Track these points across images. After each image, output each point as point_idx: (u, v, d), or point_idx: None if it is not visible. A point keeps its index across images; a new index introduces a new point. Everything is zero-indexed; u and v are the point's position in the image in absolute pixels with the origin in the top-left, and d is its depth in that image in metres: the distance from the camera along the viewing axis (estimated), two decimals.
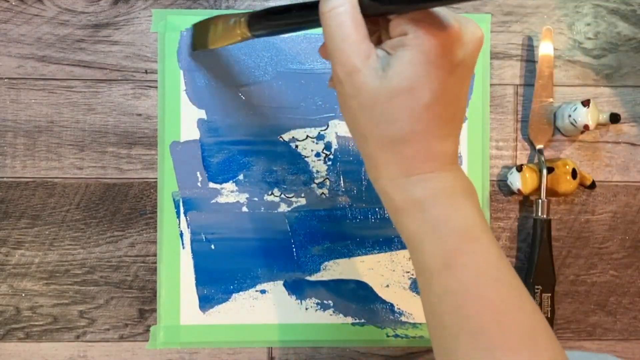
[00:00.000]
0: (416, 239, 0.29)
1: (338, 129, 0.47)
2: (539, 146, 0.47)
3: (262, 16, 0.35)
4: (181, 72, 0.46)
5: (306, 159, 0.47)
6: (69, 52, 0.46)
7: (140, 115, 0.46)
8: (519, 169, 0.45)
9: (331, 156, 0.47)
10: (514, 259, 0.48)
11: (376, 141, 0.28)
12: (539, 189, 0.46)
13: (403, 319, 0.47)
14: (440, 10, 0.26)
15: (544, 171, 0.45)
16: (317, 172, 0.47)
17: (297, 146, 0.47)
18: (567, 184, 0.45)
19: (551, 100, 0.47)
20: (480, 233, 0.28)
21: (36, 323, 0.46)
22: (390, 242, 0.47)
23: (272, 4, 0.47)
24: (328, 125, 0.47)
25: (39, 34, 0.46)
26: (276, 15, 0.34)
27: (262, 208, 0.47)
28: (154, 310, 0.46)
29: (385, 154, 0.28)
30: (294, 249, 0.47)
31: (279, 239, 0.47)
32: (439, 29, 0.26)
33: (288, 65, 0.47)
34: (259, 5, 0.47)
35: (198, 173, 0.46)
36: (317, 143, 0.47)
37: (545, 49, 0.47)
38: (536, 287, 0.46)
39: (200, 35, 0.44)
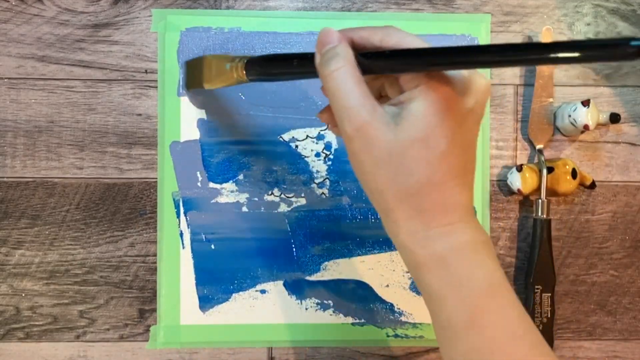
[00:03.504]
0: (439, 296, 0.28)
1: None
2: (539, 146, 0.47)
3: (260, 63, 0.35)
4: (181, 72, 0.46)
5: (306, 159, 0.47)
6: (69, 52, 0.46)
7: (140, 115, 0.46)
8: (519, 169, 0.45)
9: (331, 156, 0.47)
10: (514, 259, 0.48)
11: (394, 195, 0.28)
12: (539, 189, 0.46)
13: (403, 319, 0.47)
14: None
15: (544, 171, 0.45)
16: (317, 172, 0.47)
17: (297, 146, 0.47)
18: (567, 184, 0.45)
19: (551, 100, 0.47)
20: (503, 289, 0.28)
21: (36, 323, 0.46)
22: (390, 242, 0.47)
23: (271, 4, 0.47)
24: (328, 125, 0.47)
25: (39, 34, 0.46)
26: (275, 64, 0.34)
27: (262, 208, 0.47)
28: (154, 310, 0.46)
29: (404, 207, 0.28)
30: (294, 249, 0.47)
31: (279, 239, 0.47)
32: (448, 79, 0.27)
33: None
34: (259, 6, 0.47)
35: (198, 173, 0.46)
36: (317, 143, 0.47)
37: None
38: (536, 287, 0.46)
39: (193, 73, 0.44)
